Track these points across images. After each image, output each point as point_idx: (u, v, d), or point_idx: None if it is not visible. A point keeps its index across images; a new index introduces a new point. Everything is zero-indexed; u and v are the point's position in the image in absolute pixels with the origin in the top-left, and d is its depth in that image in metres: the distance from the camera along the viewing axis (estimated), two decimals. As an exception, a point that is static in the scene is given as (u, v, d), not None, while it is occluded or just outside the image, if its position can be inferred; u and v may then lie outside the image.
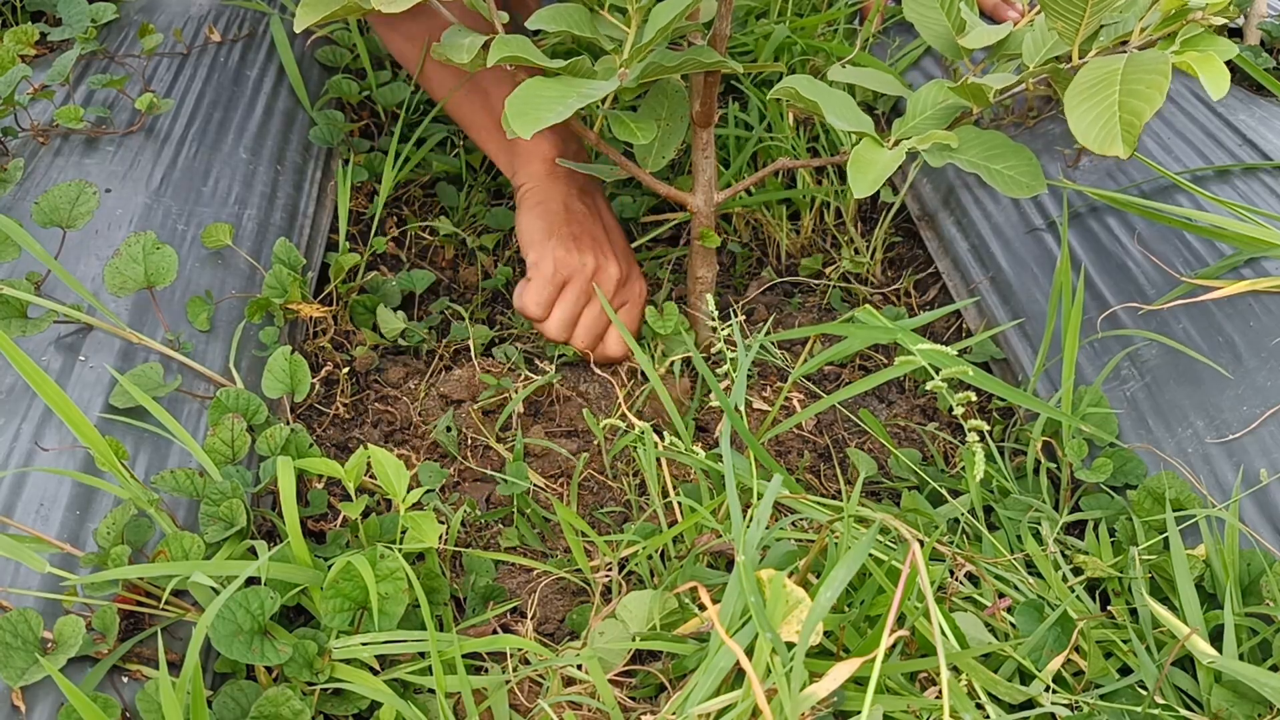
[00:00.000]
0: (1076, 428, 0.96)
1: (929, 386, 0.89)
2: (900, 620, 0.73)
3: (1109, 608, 0.84)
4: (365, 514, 0.99)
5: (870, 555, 0.76)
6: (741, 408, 0.95)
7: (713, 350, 1.16)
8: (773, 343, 1.19)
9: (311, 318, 1.19)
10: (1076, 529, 0.95)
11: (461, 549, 0.97)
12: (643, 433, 0.96)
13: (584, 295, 1.10)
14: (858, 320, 0.99)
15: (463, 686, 0.77)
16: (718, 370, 1.10)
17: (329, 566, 0.81)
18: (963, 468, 1.01)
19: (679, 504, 0.94)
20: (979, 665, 0.74)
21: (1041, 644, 0.77)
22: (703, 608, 0.80)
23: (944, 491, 0.96)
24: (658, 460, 0.97)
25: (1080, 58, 0.88)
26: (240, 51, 1.49)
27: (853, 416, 1.12)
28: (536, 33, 0.95)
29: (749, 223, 1.41)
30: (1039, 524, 0.91)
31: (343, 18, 1.08)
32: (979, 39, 0.97)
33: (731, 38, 1.34)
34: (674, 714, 0.71)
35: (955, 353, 0.92)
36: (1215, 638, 0.78)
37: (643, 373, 1.12)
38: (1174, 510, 0.86)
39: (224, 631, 0.75)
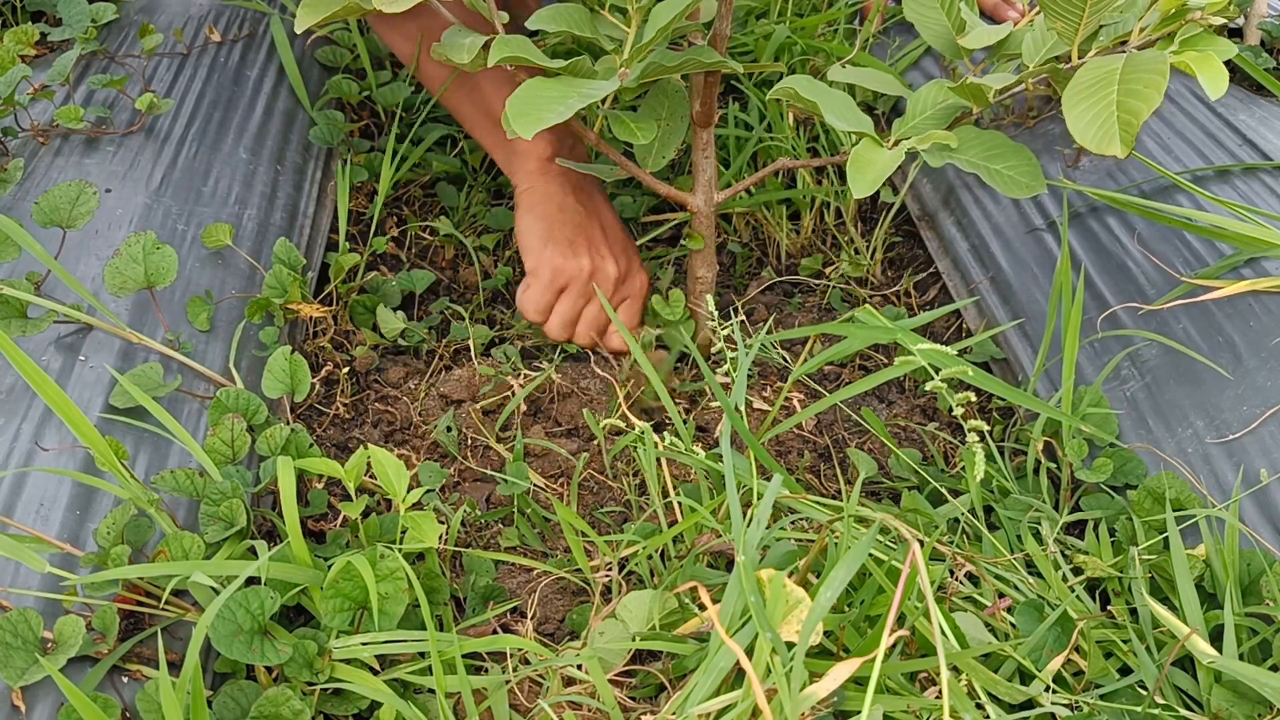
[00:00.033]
0: (1076, 428, 0.96)
1: (929, 386, 0.89)
2: (900, 620, 0.73)
3: (1109, 608, 0.84)
4: (365, 514, 0.99)
5: (870, 555, 0.76)
6: (741, 408, 0.95)
7: (713, 350, 1.16)
8: (773, 343, 1.19)
9: (311, 318, 1.19)
10: (1076, 529, 0.95)
11: (461, 549, 0.97)
12: (643, 433, 0.96)
13: (582, 297, 1.13)
14: (858, 320, 0.99)
15: (463, 686, 0.77)
16: (718, 370, 1.10)
17: (329, 566, 0.81)
18: (963, 468, 1.01)
19: (679, 504, 0.94)
20: (979, 665, 0.74)
21: (1041, 644, 0.77)
22: (703, 608, 0.80)
23: (944, 491, 0.96)
24: (658, 460, 0.97)
25: (1080, 58, 0.88)
26: (240, 51, 1.49)
27: (853, 416, 1.12)
28: (536, 33, 0.95)
29: (749, 223, 1.41)
30: (1039, 524, 0.91)
31: (343, 18, 1.08)
32: (979, 39, 0.97)
33: (731, 38, 1.34)
34: (674, 714, 0.71)
35: (955, 353, 0.92)
36: (1215, 638, 0.78)
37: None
38: (1174, 510, 0.86)
39: (224, 631, 0.75)
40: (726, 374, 1.06)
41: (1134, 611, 0.83)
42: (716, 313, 1.07)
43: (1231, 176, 1.15)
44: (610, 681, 0.81)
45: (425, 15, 0.95)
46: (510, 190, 1.43)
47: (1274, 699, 0.71)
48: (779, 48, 1.47)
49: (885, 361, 1.21)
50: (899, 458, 1.03)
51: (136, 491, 0.82)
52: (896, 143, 0.93)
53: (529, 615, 0.92)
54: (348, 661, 0.79)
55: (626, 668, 0.83)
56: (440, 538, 0.88)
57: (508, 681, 0.82)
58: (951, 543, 0.89)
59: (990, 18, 1.41)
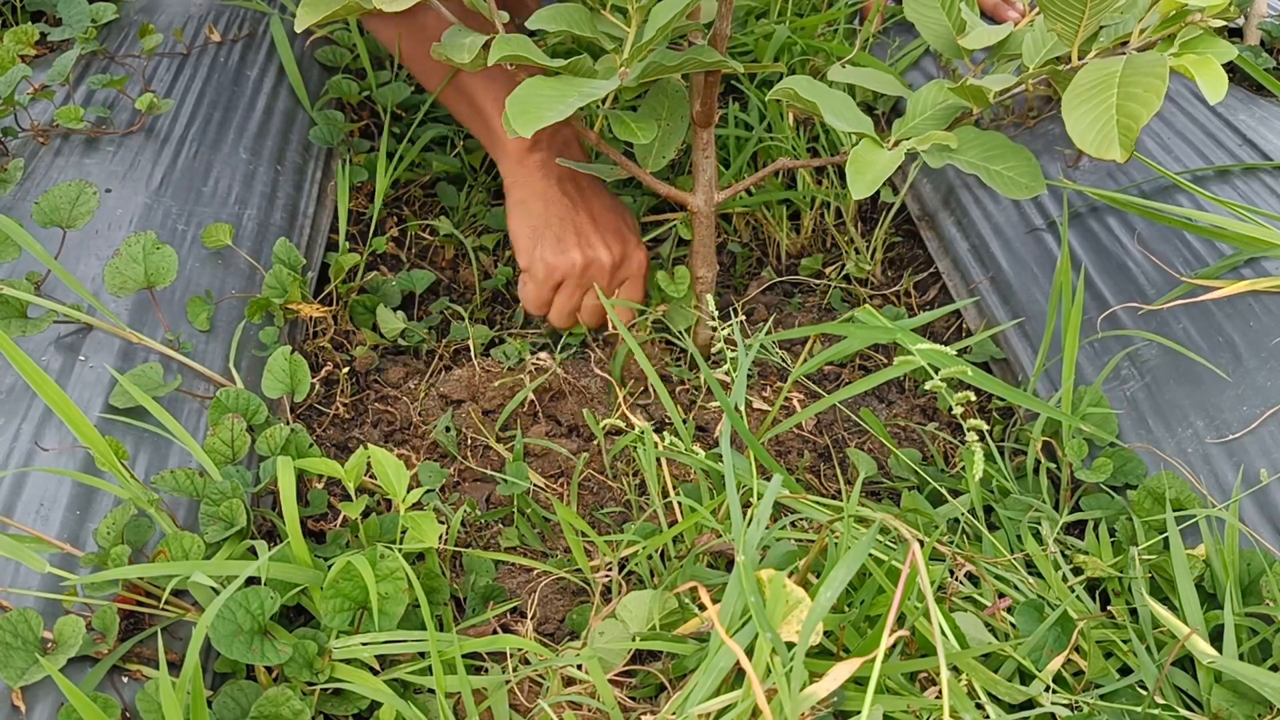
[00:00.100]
0: (1076, 428, 0.96)
1: (928, 386, 0.89)
2: (900, 620, 0.73)
3: (1109, 608, 0.84)
4: (365, 514, 0.99)
5: (870, 555, 0.76)
6: (741, 408, 0.95)
7: (713, 350, 1.16)
8: (773, 343, 1.19)
9: (311, 318, 1.19)
10: (1076, 529, 0.95)
11: (461, 549, 0.97)
12: (643, 433, 0.96)
13: (579, 289, 1.14)
14: (857, 320, 0.99)
15: (463, 686, 0.77)
16: (718, 370, 1.10)
17: (329, 566, 0.81)
18: (963, 468, 1.01)
19: (679, 504, 0.94)
20: (979, 665, 0.74)
21: (1041, 644, 0.78)
22: (703, 608, 0.80)
23: (944, 491, 0.96)
24: (658, 460, 0.97)
25: (1079, 59, 0.88)
26: (240, 51, 1.49)
27: (853, 416, 1.12)
28: (536, 32, 0.95)
29: (749, 223, 1.41)
30: (1039, 524, 0.91)
31: (342, 18, 1.08)
32: (979, 39, 0.97)
33: (731, 37, 1.34)
34: (674, 714, 0.71)
35: (955, 353, 0.92)
36: (1215, 638, 0.78)
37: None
38: (1174, 510, 0.86)
39: (224, 631, 0.75)
40: (726, 374, 1.06)
41: (1134, 611, 0.83)
42: (716, 313, 1.07)
43: (1231, 176, 1.15)
44: (610, 681, 0.81)
45: (418, 11, 0.94)
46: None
47: (1274, 699, 0.71)
48: (779, 48, 1.47)
49: (885, 361, 1.21)
50: (899, 458, 1.03)
51: (136, 491, 0.82)
52: (896, 143, 0.93)
53: (529, 615, 0.92)
54: (348, 661, 0.79)
55: (626, 668, 0.83)
56: (440, 538, 0.88)
57: (508, 681, 0.82)
58: (951, 543, 0.89)
59: (990, 18, 1.41)
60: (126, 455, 0.85)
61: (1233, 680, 0.74)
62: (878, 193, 1.26)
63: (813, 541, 0.82)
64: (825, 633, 0.75)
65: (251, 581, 0.79)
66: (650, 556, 0.90)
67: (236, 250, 1.18)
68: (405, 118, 1.44)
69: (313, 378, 1.09)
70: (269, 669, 0.80)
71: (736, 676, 0.70)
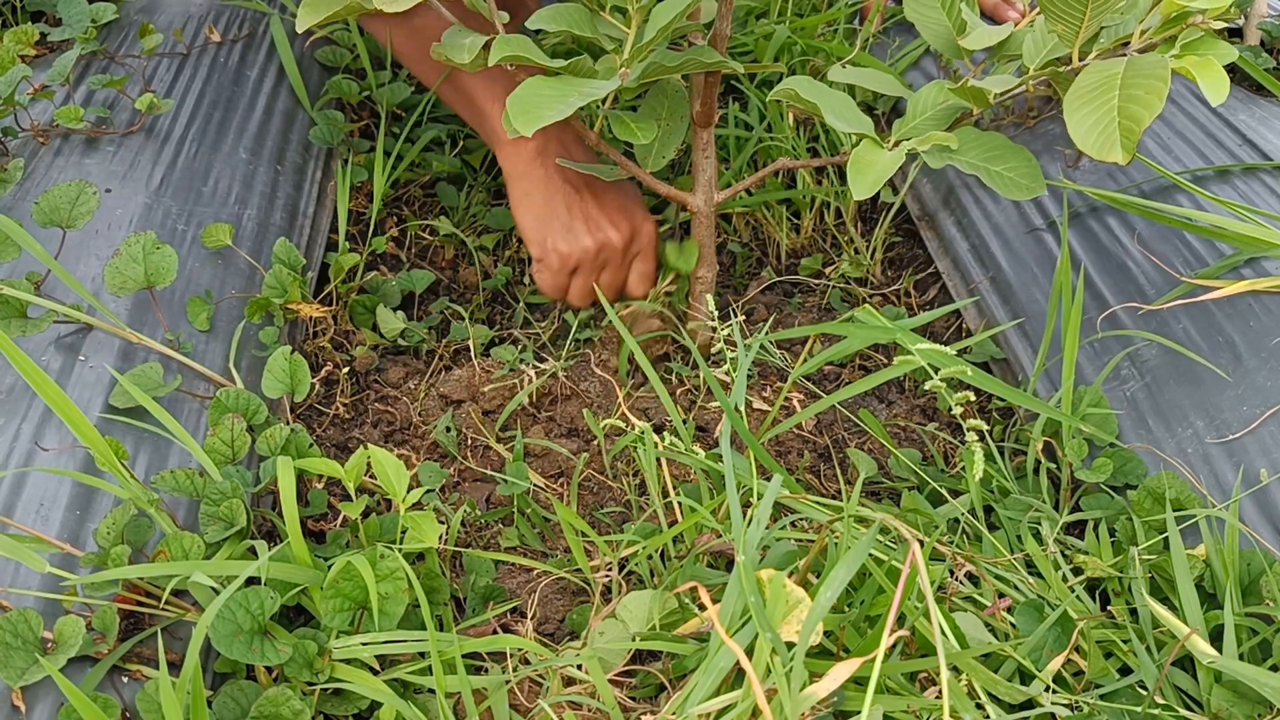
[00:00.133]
0: (1076, 428, 0.96)
1: (928, 386, 0.89)
2: (900, 620, 0.73)
3: (1109, 608, 0.84)
4: (365, 514, 0.99)
5: (870, 555, 0.76)
6: (741, 408, 0.95)
7: (713, 350, 1.16)
8: (772, 343, 1.19)
9: (311, 318, 1.19)
10: (1076, 529, 0.95)
11: (461, 549, 0.97)
12: (643, 433, 0.96)
13: (595, 270, 1.14)
14: (857, 320, 0.99)
15: (463, 686, 0.77)
16: (718, 370, 1.10)
17: (329, 566, 0.81)
18: (963, 468, 1.01)
19: (679, 504, 0.94)
20: (979, 665, 0.74)
21: (1041, 644, 0.78)
22: (703, 608, 0.80)
23: (944, 491, 0.96)
24: (658, 460, 0.97)
25: (1080, 60, 0.88)
26: (240, 51, 1.49)
27: (853, 416, 1.12)
28: (536, 32, 0.95)
29: (749, 223, 1.41)
30: (1039, 524, 0.91)
31: (343, 18, 1.08)
32: (980, 40, 0.97)
33: (731, 38, 1.34)
34: (674, 714, 0.71)
35: (955, 353, 0.92)
36: (1215, 638, 0.78)
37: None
38: (1174, 510, 0.86)
39: (224, 631, 0.75)
40: (726, 374, 1.06)
41: (1134, 611, 0.83)
42: (716, 313, 1.07)
43: (1231, 176, 1.15)
44: (610, 681, 0.81)
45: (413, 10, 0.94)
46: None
47: (1274, 699, 0.71)
48: (779, 48, 1.47)
49: (885, 361, 1.21)
50: (899, 458, 1.03)
51: (136, 491, 0.82)
52: (897, 144, 0.93)
53: (529, 615, 0.92)
54: (348, 661, 0.79)
55: (626, 668, 0.83)
56: (440, 538, 0.88)
57: (508, 681, 0.82)
58: (951, 543, 0.89)
59: (990, 18, 1.41)
60: (126, 455, 0.85)
61: (1233, 680, 0.74)
62: (878, 193, 1.26)
63: (813, 541, 0.82)
64: (825, 633, 0.75)
65: (251, 581, 0.79)
66: (650, 556, 0.90)
67: (236, 250, 1.18)
68: (405, 118, 1.44)
69: (313, 378, 1.09)
70: (269, 669, 0.80)
71: (736, 676, 0.71)
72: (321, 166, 1.42)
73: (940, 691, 0.73)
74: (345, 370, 1.16)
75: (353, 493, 0.88)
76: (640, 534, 0.93)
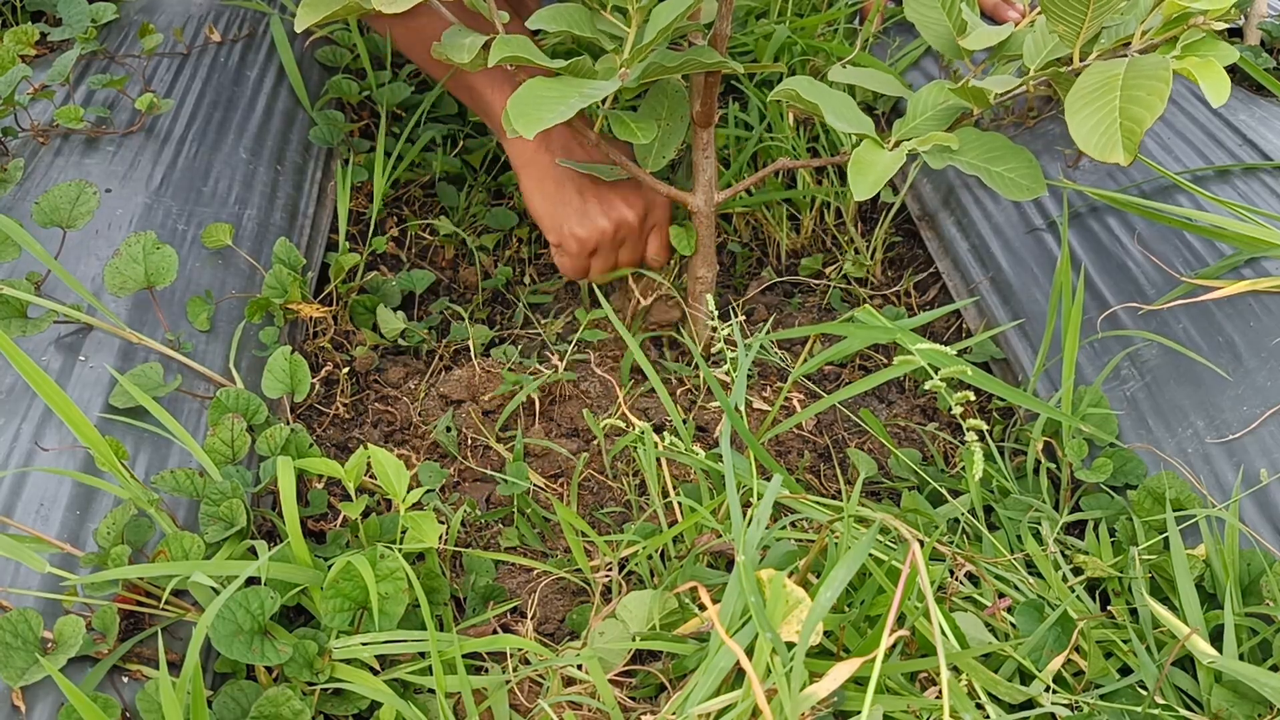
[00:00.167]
0: (1076, 428, 0.96)
1: (928, 386, 0.89)
2: (900, 620, 0.73)
3: (1109, 608, 0.84)
4: (365, 514, 0.99)
5: (870, 555, 0.76)
6: (741, 408, 0.95)
7: (713, 350, 1.16)
8: (773, 343, 1.19)
9: (311, 318, 1.19)
10: (1076, 529, 0.95)
11: (461, 549, 0.97)
12: (643, 433, 0.96)
13: (613, 251, 1.15)
14: (857, 320, 0.99)
15: (463, 686, 0.77)
16: (718, 370, 1.10)
17: (329, 566, 0.81)
18: (963, 468, 1.01)
19: (679, 504, 0.94)
20: (979, 665, 0.74)
21: (1041, 644, 0.78)
22: (703, 608, 0.80)
23: (944, 491, 0.96)
24: (658, 460, 0.97)
25: (1081, 60, 0.88)
26: (240, 51, 1.49)
27: (853, 416, 1.12)
28: (536, 32, 0.95)
29: (749, 223, 1.41)
30: (1039, 524, 0.91)
31: (342, 18, 1.08)
32: (980, 40, 0.97)
33: (731, 38, 1.34)
34: (674, 714, 0.71)
35: (955, 353, 0.92)
36: (1215, 638, 0.78)
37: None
38: (1174, 510, 0.86)
39: (224, 631, 0.75)
40: (726, 374, 1.06)
41: (1134, 611, 0.83)
42: (716, 313, 1.07)
43: (1231, 176, 1.15)
44: (610, 681, 0.81)
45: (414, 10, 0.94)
46: (510, 189, 1.44)
47: (1274, 699, 0.71)
48: (779, 48, 1.47)
49: (885, 361, 1.21)
50: (899, 458, 1.03)
51: (136, 491, 0.82)
52: (897, 144, 0.93)
53: (529, 615, 0.92)
54: (348, 661, 0.79)
55: (626, 668, 0.83)
56: (440, 538, 0.88)
57: (508, 681, 0.82)
58: (951, 543, 0.89)
59: (990, 18, 1.41)
60: (126, 455, 0.85)
61: (1233, 680, 0.74)
62: (878, 193, 1.27)
63: (813, 541, 0.82)
64: (825, 633, 0.75)
65: (251, 581, 0.79)
66: (650, 556, 0.90)
67: (236, 250, 1.18)
68: (405, 118, 1.44)
69: (313, 378, 1.09)
70: (269, 669, 0.80)
71: (736, 676, 0.70)
72: (321, 166, 1.42)
73: (940, 691, 0.73)
74: (345, 370, 1.16)
75: (353, 493, 0.88)
76: (640, 534, 0.93)
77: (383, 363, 1.20)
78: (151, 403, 0.91)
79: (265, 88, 1.44)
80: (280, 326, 1.13)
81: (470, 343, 1.18)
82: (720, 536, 0.86)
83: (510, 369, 1.16)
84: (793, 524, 0.89)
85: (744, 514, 0.76)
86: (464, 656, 0.83)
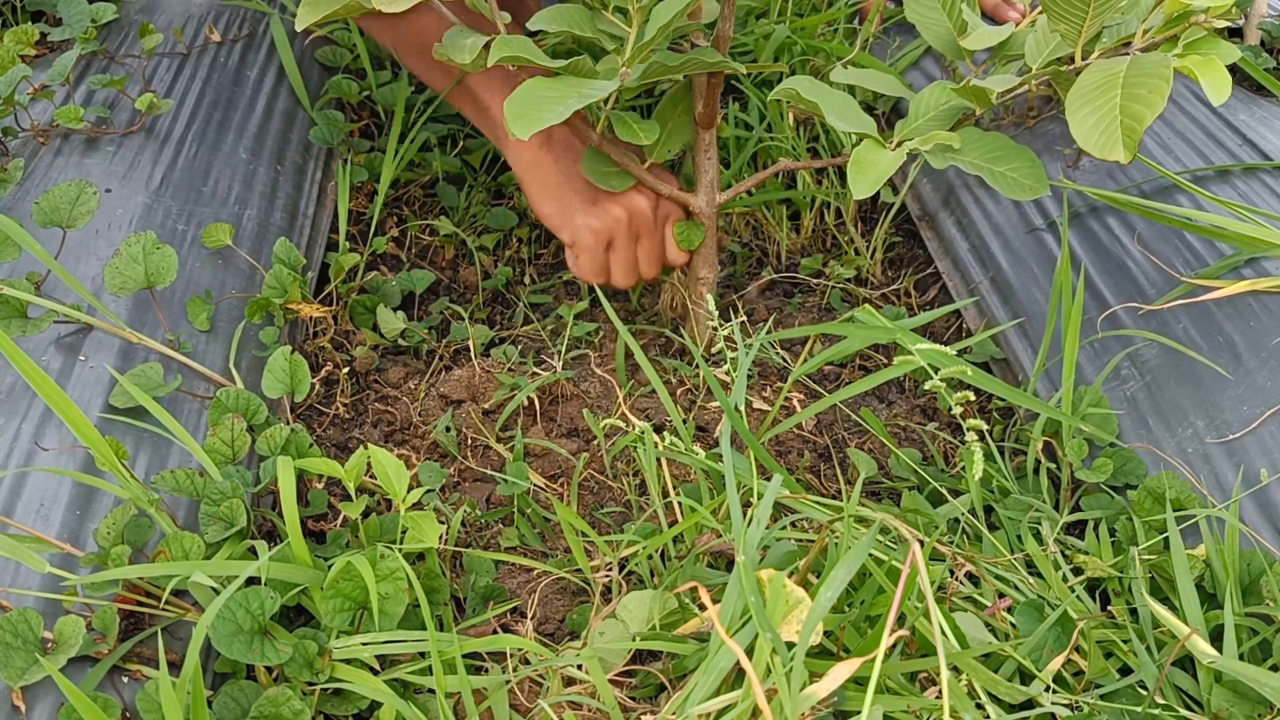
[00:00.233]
0: (1076, 428, 0.96)
1: (928, 386, 0.89)
2: (900, 620, 0.73)
3: (1109, 608, 0.84)
4: (365, 514, 0.99)
5: (870, 555, 0.76)
6: (741, 408, 0.95)
7: (713, 350, 1.16)
8: (773, 343, 1.19)
9: (311, 318, 1.19)
10: (1076, 529, 0.95)
11: (461, 549, 0.97)
12: (643, 433, 0.96)
13: (631, 240, 1.11)
14: (858, 320, 0.99)
15: (463, 686, 0.77)
16: (718, 370, 1.10)
17: (329, 566, 0.81)
18: (963, 468, 1.01)
19: (679, 504, 0.94)
20: (979, 665, 0.74)
21: (1041, 644, 0.77)
22: (703, 608, 0.80)
23: (944, 491, 0.96)
24: (658, 460, 0.97)
25: (1083, 59, 0.88)
26: (240, 51, 1.49)
27: (853, 416, 1.12)
28: (536, 33, 0.95)
29: (749, 223, 1.41)
30: (1039, 524, 0.91)
31: (342, 17, 1.08)
32: (981, 40, 0.97)
33: (732, 38, 1.34)
34: (674, 714, 0.71)
35: (955, 353, 0.92)
36: (1215, 638, 0.78)
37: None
38: (1174, 510, 0.86)
39: (224, 631, 0.75)
40: (726, 374, 1.06)
41: (1134, 611, 0.83)
42: (717, 312, 1.07)
43: (1231, 176, 1.15)
44: (610, 681, 0.81)
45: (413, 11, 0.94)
46: (510, 189, 1.44)
47: (1274, 699, 0.71)
48: (779, 48, 1.47)
49: (885, 361, 1.21)
50: (899, 458, 1.03)
51: (136, 491, 0.82)
52: (899, 144, 0.93)
53: (529, 615, 0.92)
54: (348, 661, 0.79)
55: (626, 668, 0.83)
56: (440, 538, 0.88)
57: (508, 681, 0.82)
58: (951, 543, 0.89)
59: (990, 18, 1.41)
60: (126, 455, 0.85)
61: (1233, 680, 0.74)
62: (878, 193, 1.26)
63: (813, 541, 0.82)
64: (825, 633, 0.75)
65: (251, 581, 0.79)
66: (650, 556, 0.90)
67: (236, 250, 1.18)
68: (405, 117, 1.44)
69: (313, 378, 1.09)
70: (269, 669, 0.80)
71: (736, 676, 0.70)
72: (321, 166, 1.42)
73: (940, 691, 0.73)
74: (345, 370, 1.16)
75: (353, 493, 0.88)
76: (640, 534, 0.93)
77: (383, 363, 1.20)
78: (151, 403, 0.91)
79: (265, 88, 1.44)
80: (280, 326, 1.13)
81: (470, 343, 1.18)
82: (720, 536, 0.86)
83: (510, 369, 1.16)
84: (793, 524, 0.89)
85: (744, 514, 0.76)
86: (464, 656, 0.83)
